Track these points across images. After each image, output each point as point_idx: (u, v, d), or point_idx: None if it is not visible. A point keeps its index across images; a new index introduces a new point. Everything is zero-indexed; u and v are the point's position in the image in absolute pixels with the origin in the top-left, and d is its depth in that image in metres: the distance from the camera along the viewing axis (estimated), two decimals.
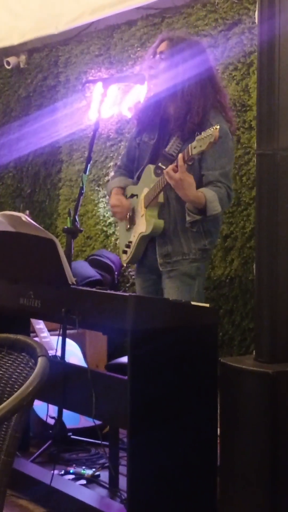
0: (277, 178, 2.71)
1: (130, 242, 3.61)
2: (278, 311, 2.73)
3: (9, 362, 1.78)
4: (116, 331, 3.35)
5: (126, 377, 2.82)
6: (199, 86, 3.45)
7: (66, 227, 3.52)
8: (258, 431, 2.54)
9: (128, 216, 3.64)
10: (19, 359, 1.77)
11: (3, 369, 1.77)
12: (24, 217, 3.06)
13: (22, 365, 1.75)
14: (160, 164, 3.50)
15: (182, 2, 4.62)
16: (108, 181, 5.13)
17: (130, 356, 2.79)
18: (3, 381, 1.75)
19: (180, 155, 3.23)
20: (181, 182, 3.23)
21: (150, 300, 2.98)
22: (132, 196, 3.65)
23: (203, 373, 2.93)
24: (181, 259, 3.48)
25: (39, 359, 1.66)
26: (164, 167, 3.41)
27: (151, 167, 3.54)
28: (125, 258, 3.68)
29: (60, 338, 3.52)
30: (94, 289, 3.06)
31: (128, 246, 3.63)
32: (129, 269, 4.87)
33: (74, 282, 3.09)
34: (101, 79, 3.90)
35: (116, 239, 5.09)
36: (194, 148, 3.16)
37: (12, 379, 1.73)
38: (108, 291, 3.03)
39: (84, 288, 3.13)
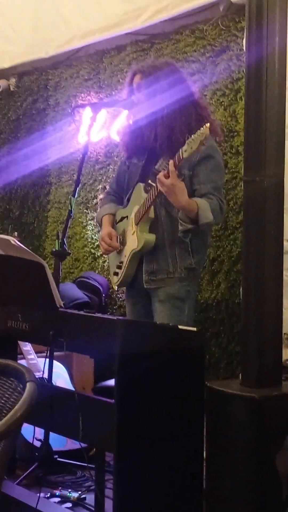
0: (264, 204, 2.74)
1: (121, 262, 3.63)
2: (264, 336, 2.75)
3: None
4: (104, 354, 3.36)
5: (113, 401, 2.83)
6: (179, 107, 3.52)
7: (54, 249, 3.55)
8: (244, 455, 2.56)
9: (118, 239, 3.67)
10: (7, 384, 1.79)
11: None
12: (13, 240, 3.08)
13: (11, 390, 1.77)
14: (150, 181, 3.54)
15: (170, 28, 4.68)
16: (96, 203, 5.17)
17: (117, 379, 2.80)
18: None
19: (171, 161, 3.27)
20: (173, 188, 3.26)
21: (137, 324, 3.00)
22: (122, 219, 3.69)
23: (189, 396, 2.94)
24: (166, 277, 3.51)
25: (28, 385, 1.68)
26: (153, 184, 3.45)
27: (141, 185, 3.59)
28: (116, 280, 3.68)
29: (47, 360, 3.53)
30: (82, 313, 3.07)
31: (119, 267, 3.64)
32: (117, 291, 4.89)
33: (62, 305, 3.10)
34: (90, 104, 3.94)
35: (104, 261, 5.12)
36: (185, 151, 3.20)
37: (0, 404, 1.75)
38: (96, 315, 3.03)
39: (72, 311, 3.14)
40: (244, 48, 4.03)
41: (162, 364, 2.88)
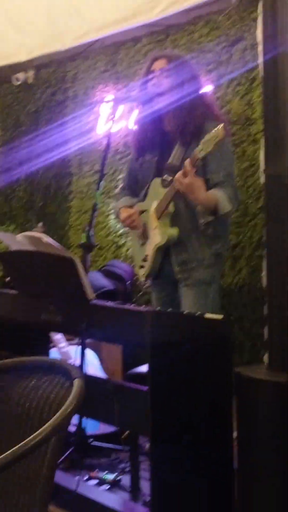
0: (284, 196, 2.87)
1: (147, 256, 3.73)
2: None
3: (46, 383, 1.93)
4: (134, 343, 3.49)
5: (145, 387, 2.96)
6: (193, 99, 3.60)
7: (81, 242, 3.67)
8: (274, 437, 2.69)
9: (141, 232, 3.79)
10: (55, 381, 1.91)
11: (41, 390, 1.92)
12: (45, 237, 3.21)
13: (59, 386, 1.89)
14: (165, 176, 3.65)
15: (185, 19, 4.76)
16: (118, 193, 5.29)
17: (150, 368, 2.92)
18: (42, 402, 1.90)
19: (187, 161, 3.35)
20: (192, 186, 3.35)
21: (166, 314, 3.08)
22: (141, 212, 3.80)
23: (218, 381, 3.04)
24: (196, 265, 3.60)
25: (75, 381, 1.81)
26: (170, 178, 3.56)
27: (158, 180, 3.68)
28: (142, 272, 3.78)
29: (79, 349, 3.66)
30: (113, 305, 3.20)
31: (145, 260, 3.75)
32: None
33: (94, 298, 3.23)
34: (111, 100, 4.03)
35: (127, 250, 5.25)
36: (201, 151, 3.28)
37: (50, 400, 1.88)
38: (126, 306, 3.15)
39: (104, 304, 3.26)
40: (258, 38, 4.14)
41: (191, 351, 2.98)
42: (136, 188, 3.89)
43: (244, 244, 4.38)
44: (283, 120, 2.86)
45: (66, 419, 1.71)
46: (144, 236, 3.76)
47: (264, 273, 4.13)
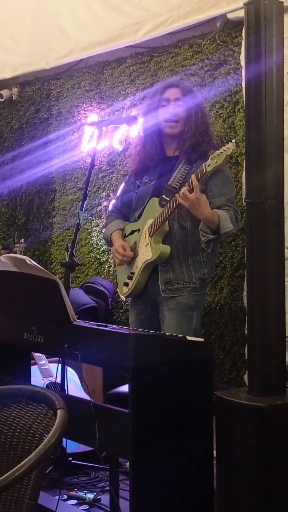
0: (265, 223, 2.92)
1: (133, 273, 3.77)
2: (269, 347, 2.91)
3: (29, 412, 1.96)
4: (116, 365, 3.50)
5: (127, 410, 2.99)
6: (198, 123, 3.72)
7: (64, 261, 3.71)
8: (252, 460, 2.73)
9: (131, 249, 3.82)
10: (38, 410, 1.94)
11: (24, 419, 1.95)
12: (28, 260, 3.23)
13: (42, 416, 1.92)
14: (164, 196, 3.70)
15: (169, 42, 4.81)
16: (100, 210, 5.33)
17: (131, 390, 2.93)
18: (24, 431, 1.93)
19: (193, 176, 3.43)
20: (197, 201, 3.43)
21: (148, 337, 3.12)
22: (133, 232, 3.84)
23: (199, 403, 3.07)
24: (181, 287, 3.66)
25: (59, 412, 1.85)
26: (167, 199, 3.62)
27: (156, 199, 3.74)
28: (125, 290, 3.81)
29: (60, 368, 3.68)
30: (95, 326, 3.22)
31: (130, 278, 3.78)
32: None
33: (76, 319, 3.26)
34: (95, 123, 4.08)
35: (109, 267, 5.28)
36: (209, 165, 3.38)
37: (33, 429, 1.91)
38: (109, 328, 3.17)
39: (86, 325, 3.29)
40: (242, 63, 4.19)
41: (173, 374, 3.01)
42: (127, 213, 3.94)
43: (225, 264, 4.44)
44: (265, 144, 2.91)
45: (49, 451, 1.74)
46: (133, 255, 3.79)
47: (245, 293, 4.18)
